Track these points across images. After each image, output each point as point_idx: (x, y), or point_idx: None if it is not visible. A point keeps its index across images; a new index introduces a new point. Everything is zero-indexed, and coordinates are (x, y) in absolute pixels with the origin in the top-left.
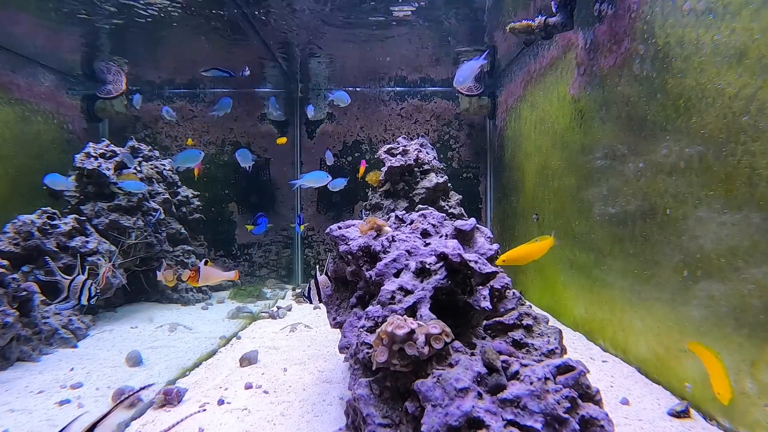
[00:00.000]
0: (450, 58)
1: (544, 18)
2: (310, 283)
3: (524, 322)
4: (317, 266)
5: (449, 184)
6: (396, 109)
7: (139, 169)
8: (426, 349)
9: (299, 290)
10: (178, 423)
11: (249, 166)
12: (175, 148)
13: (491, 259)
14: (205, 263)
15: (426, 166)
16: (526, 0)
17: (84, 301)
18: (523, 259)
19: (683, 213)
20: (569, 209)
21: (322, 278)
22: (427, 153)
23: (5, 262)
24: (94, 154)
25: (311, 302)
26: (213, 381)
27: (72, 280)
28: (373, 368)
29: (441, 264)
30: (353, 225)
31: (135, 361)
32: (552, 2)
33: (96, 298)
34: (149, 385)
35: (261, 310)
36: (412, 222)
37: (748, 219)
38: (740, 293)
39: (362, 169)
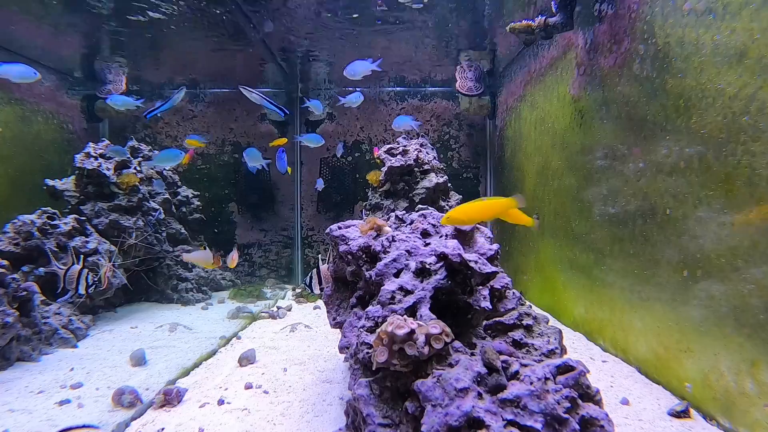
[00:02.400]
0: (450, 58)
1: (544, 18)
2: (312, 272)
3: (524, 322)
4: (320, 255)
5: (449, 184)
6: (396, 109)
7: (139, 168)
8: (426, 349)
9: (299, 290)
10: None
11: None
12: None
13: (491, 259)
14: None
15: (426, 166)
16: (527, 0)
17: (82, 290)
18: (469, 217)
19: (683, 213)
20: (569, 209)
21: (324, 267)
22: (427, 153)
23: (5, 262)
24: (94, 154)
25: (312, 291)
26: (213, 381)
27: (67, 270)
28: (373, 368)
29: (441, 264)
30: (353, 225)
31: (138, 360)
32: (552, 2)
33: (94, 287)
34: (93, 427)
35: (261, 310)
36: (412, 222)
37: (748, 219)
38: (740, 293)
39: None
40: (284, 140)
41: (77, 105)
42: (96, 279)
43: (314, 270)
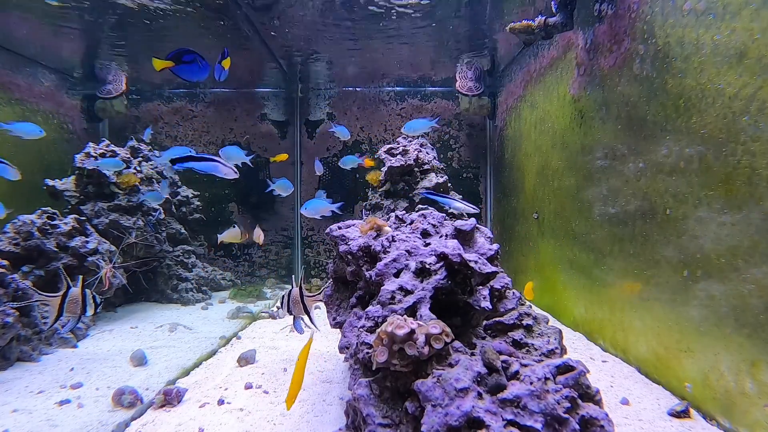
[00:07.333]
0: (450, 58)
1: (544, 18)
2: (282, 295)
3: (524, 322)
4: (293, 276)
5: (449, 184)
6: (396, 109)
7: (139, 168)
8: (426, 349)
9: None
10: None
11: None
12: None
13: (491, 259)
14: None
15: (426, 166)
16: (526, 0)
17: (90, 312)
18: None
19: (683, 213)
20: (569, 209)
21: (295, 291)
22: (427, 153)
23: (5, 262)
24: (94, 154)
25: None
26: (213, 381)
27: (64, 297)
28: (373, 368)
29: (441, 264)
30: (353, 225)
31: (139, 360)
32: (552, 2)
33: (102, 303)
34: None
35: (261, 310)
36: (412, 222)
37: (748, 219)
38: (740, 293)
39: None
40: (285, 156)
41: (77, 105)
42: (102, 299)
43: (286, 293)
